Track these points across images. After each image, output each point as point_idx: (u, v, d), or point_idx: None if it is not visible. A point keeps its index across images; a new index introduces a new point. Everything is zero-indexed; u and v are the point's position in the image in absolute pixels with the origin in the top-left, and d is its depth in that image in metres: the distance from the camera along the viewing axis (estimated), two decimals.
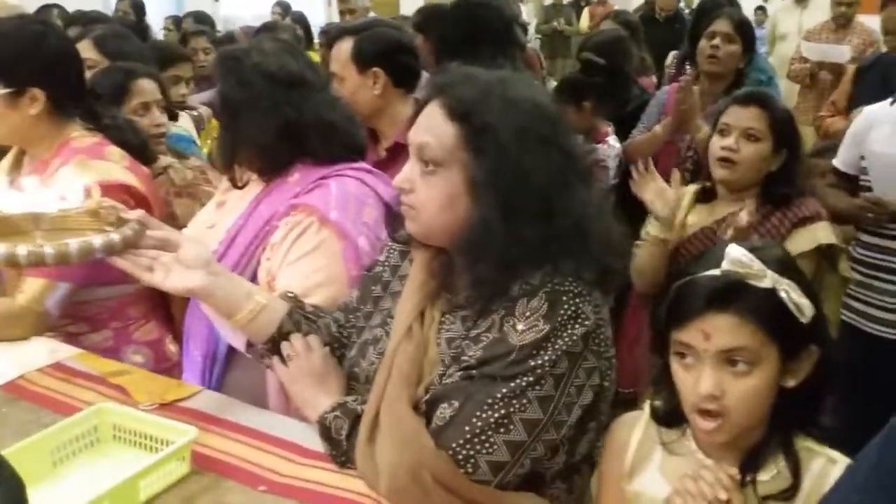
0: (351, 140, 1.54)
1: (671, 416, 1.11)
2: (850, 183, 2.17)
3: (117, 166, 1.65)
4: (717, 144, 1.87)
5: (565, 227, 1.05)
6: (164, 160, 2.13)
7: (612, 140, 2.73)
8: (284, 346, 1.26)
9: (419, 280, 1.18)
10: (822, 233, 1.83)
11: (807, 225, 1.83)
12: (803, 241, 1.80)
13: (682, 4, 5.82)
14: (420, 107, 1.13)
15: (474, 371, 1.05)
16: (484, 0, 2.41)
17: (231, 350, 1.45)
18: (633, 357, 2.25)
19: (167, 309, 1.79)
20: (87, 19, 3.63)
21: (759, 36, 3.16)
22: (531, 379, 1.02)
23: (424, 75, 2.05)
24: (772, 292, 0.98)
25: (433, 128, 1.09)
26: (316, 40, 5.16)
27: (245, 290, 1.26)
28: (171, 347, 1.76)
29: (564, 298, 1.04)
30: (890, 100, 2.09)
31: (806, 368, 1.02)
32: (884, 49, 3.22)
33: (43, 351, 1.51)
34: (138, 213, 1.20)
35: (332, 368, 1.26)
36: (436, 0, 3.35)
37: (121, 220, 1.19)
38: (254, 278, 1.45)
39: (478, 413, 1.02)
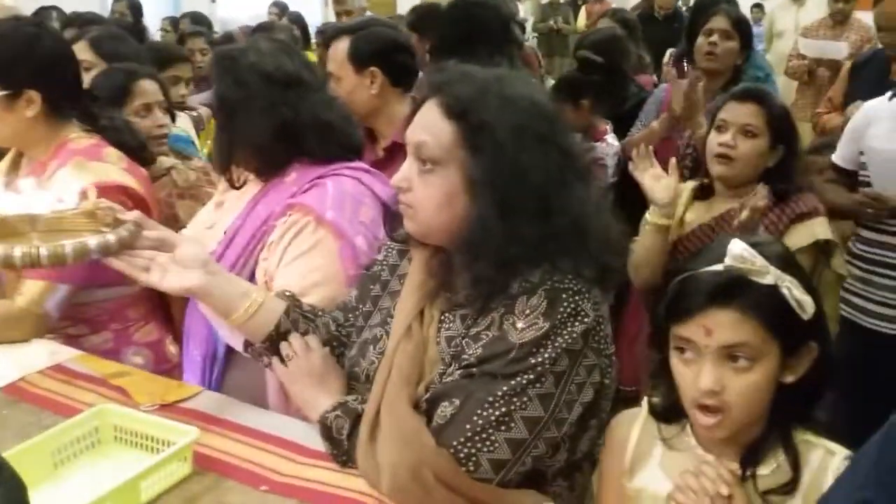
0: (348, 140, 1.54)
1: (670, 412, 1.11)
2: (849, 178, 2.17)
3: (115, 168, 1.65)
4: (715, 141, 1.87)
5: (563, 226, 1.05)
6: (168, 161, 2.13)
7: (611, 138, 2.73)
8: (283, 346, 1.26)
9: (418, 279, 1.18)
10: (819, 228, 1.83)
11: (804, 221, 1.83)
12: (801, 236, 1.81)
13: (679, 3, 5.82)
14: (417, 105, 1.13)
15: (475, 369, 1.05)
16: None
17: (230, 350, 1.45)
18: (634, 355, 2.25)
19: (167, 310, 1.79)
20: (82, 21, 3.62)
21: (756, 33, 3.16)
22: (531, 377, 1.02)
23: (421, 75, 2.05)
24: (774, 288, 0.99)
25: (430, 126, 1.09)
26: (313, 40, 5.16)
27: (242, 289, 1.26)
28: (171, 348, 1.76)
29: (564, 296, 1.04)
30: (888, 95, 2.09)
31: (805, 364, 1.02)
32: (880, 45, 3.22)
33: (43, 353, 1.51)
34: (134, 214, 1.20)
35: (332, 368, 1.26)
36: None
37: (117, 221, 1.19)
38: (252, 278, 1.45)
39: (478, 411, 1.02)
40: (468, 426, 1.02)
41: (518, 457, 1.03)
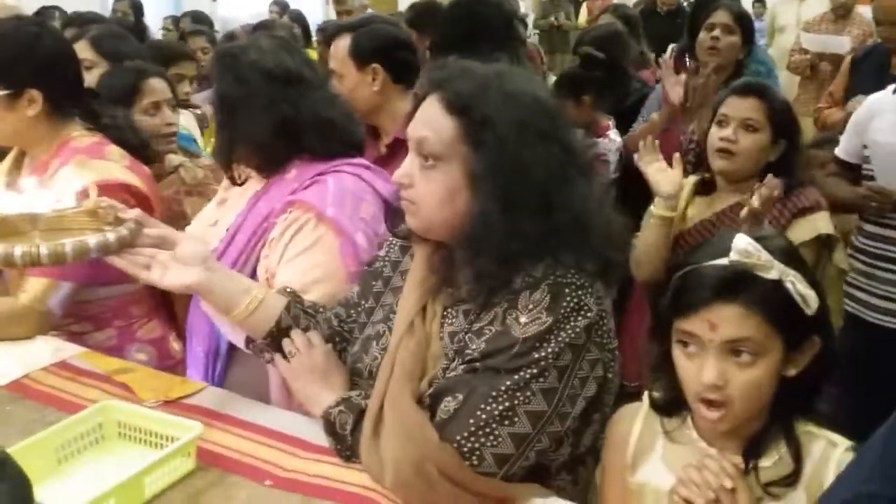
0: (349, 136, 1.54)
1: (671, 405, 1.11)
2: (852, 172, 2.17)
3: (117, 165, 1.65)
4: (716, 135, 1.87)
5: (565, 221, 1.05)
6: (176, 159, 2.13)
7: (613, 134, 2.72)
8: (286, 342, 1.26)
9: (420, 275, 1.18)
10: (821, 223, 1.83)
11: (806, 215, 1.82)
12: (803, 230, 1.80)
13: None
14: (418, 101, 1.13)
15: (478, 364, 1.05)
16: None
17: (233, 346, 1.45)
18: (637, 351, 2.24)
19: (170, 307, 1.79)
20: (83, 20, 3.62)
21: (757, 28, 3.15)
22: (535, 371, 1.02)
23: None
24: (778, 283, 0.99)
25: (432, 122, 1.09)
26: (314, 38, 5.16)
27: (243, 285, 1.26)
28: (175, 345, 1.76)
29: (567, 291, 1.04)
30: (892, 88, 2.08)
31: (807, 358, 1.03)
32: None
33: (47, 350, 1.51)
34: (135, 213, 1.20)
35: (335, 364, 1.26)
36: None
37: (118, 220, 1.19)
38: (254, 275, 1.46)
39: (482, 406, 1.02)
40: (472, 421, 1.02)
41: (522, 451, 1.03)
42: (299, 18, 5.66)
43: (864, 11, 4.12)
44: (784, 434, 1.03)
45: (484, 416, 1.02)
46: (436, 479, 1.02)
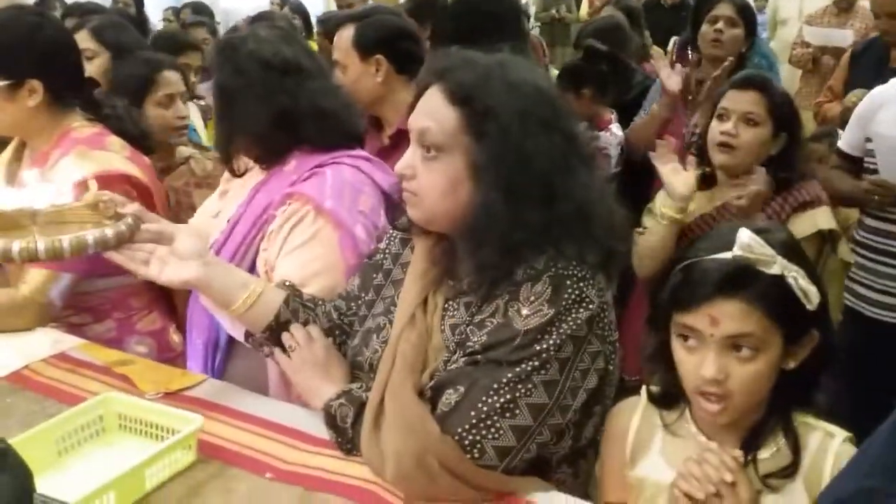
0: (348, 127, 1.53)
1: (668, 397, 1.11)
2: (855, 165, 2.16)
3: (118, 156, 1.64)
4: (717, 129, 1.86)
5: (568, 211, 1.05)
6: (186, 151, 2.13)
7: (615, 128, 2.71)
8: (285, 336, 1.26)
9: (421, 267, 1.18)
10: (821, 217, 1.82)
11: (807, 210, 1.82)
12: (803, 225, 1.80)
13: None
14: (420, 92, 1.12)
15: (479, 356, 1.05)
16: None
17: (232, 339, 1.45)
18: (638, 345, 2.24)
19: (170, 299, 1.79)
20: (84, 10, 3.61)
21: (759, 21, 3.14)
22: (536, 363, 1.02)
23: None
24: (780, 279, 0.98)
25: (434, 112, 1.08)
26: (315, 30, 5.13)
27: (241, 280, 1.26)
28: (175, 337, 1.76)
29: (568, 283, 1.04)
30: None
31: (806, 351, 1.03)
32: None
33: (46, 341, 1.51)
34: (134, 207, 1.20)
35: (335, 357, 1.26)
36: None
37: (118, 215, 1.19)
38: (253, 267, 1.45)
39: (483, 398, 1.02)
40: (473, 413, 1.02)
41: (523, 444, 1.03)
42: (300, 10, 5.63)
43: (867, 5, 4.10)
44: (782, 426, 1.04)
45: (485, 409, 1.02)
46: (437, 471, 1.02)
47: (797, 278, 0.99)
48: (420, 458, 1.03)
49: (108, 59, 2.29)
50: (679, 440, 1.10)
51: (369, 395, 1.13)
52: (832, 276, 2.19)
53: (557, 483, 1.12)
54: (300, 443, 1.19)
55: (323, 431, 1.18)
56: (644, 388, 1.15)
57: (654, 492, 1.09)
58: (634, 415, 1.14)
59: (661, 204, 1.87)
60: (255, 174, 1.55)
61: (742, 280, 0.98)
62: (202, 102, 2.82)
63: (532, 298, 1.04)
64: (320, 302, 1.32)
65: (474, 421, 1.02)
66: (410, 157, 1.11)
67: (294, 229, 1.41)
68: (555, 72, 3.23)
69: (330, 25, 3.65)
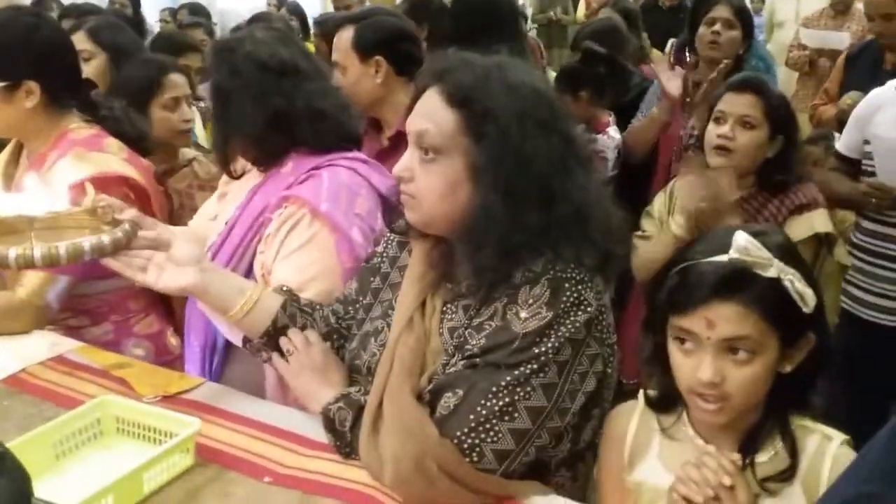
0: (344, 129, 1.52)
1: (665, 401, 1.11)
2: (852, 167, 2.16)
3: (115, 158, 1.64)
4: (713, 132, 1.86)
5: (566, 213, 1.05)
6: (189, 153, 2.13)
7: (613, 131, 2.71)
8: (283, 341, 1.26)
9: (419, 270, 1.18)
10: (818, 221, 1.82)
11: (803, 213, 1.82)
12: (800, 228, 1.79)
13: None
14: (417, 94, 1.12)
15: (478, 360, 1.05)
16: None
17: (230, 342, 1.45)
18: (636, 349, 2.24)
19: (168, 302, 1.79)
20: (80, 11, 3.60)
21: (756, 23, 3.15)
22: (535, 366, 1.02)
23: None
24: (776, 281, 0.98)
25: (432, 114, 1.08)
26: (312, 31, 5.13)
27: (238, 285, 1.26)
28: (173, 340, 1.76)
29: (567, 285, 1.04)
30: (894, 83, 2.07)
31: (803, 354, 1.03)
32: None
33: (44, 344, 1.50)
34: (132, 213, 1.19)
35: (333, 361, 1.26)
36: None
37: (116, 221, 1.19)
38: (250, 270, 1.45)
39: (482, 401, 1.02)
40: (472, 416, 1.02)
41: (522, 447, 1.03)
42: (297, 11, 5.63)
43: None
44: (780, 429, 1.04)
45: (484, 412, 1.02)
46: (435, 475, 1.02)
47: (793, 281, 0.99)
48: (419, 462, 1.02)
49: (106, 60, 2.29)
50: (677, 444, 1.10)
51: (367, 399, 1.13)
52: (829, 279, 2.19)
53: (556, 486, 1.12)
54: (298, 446, 1.19)
55: (321, 435, 1.18)
56: (641, 392, 1.15)
57: (652, 496, 1.09)
58: (632, 419, 1.14)
59: (673, 222, 1.84)
60: (253, 176, 1.55)
61: (738, 283, 0.98)
62: (202, 104, 2.81)
63: (530, 301, 1.04)
64: (318, 306, 1.32)
65: (473, 424, 1.02)
66: (408, 159, 1.11)
67: (290, 233, 1.40)
68: (552, 73, 3.23)
69: (327, 27, 3.64)
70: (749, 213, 1.85)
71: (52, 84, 1.60)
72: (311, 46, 3.94)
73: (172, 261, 1.18)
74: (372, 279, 1.28)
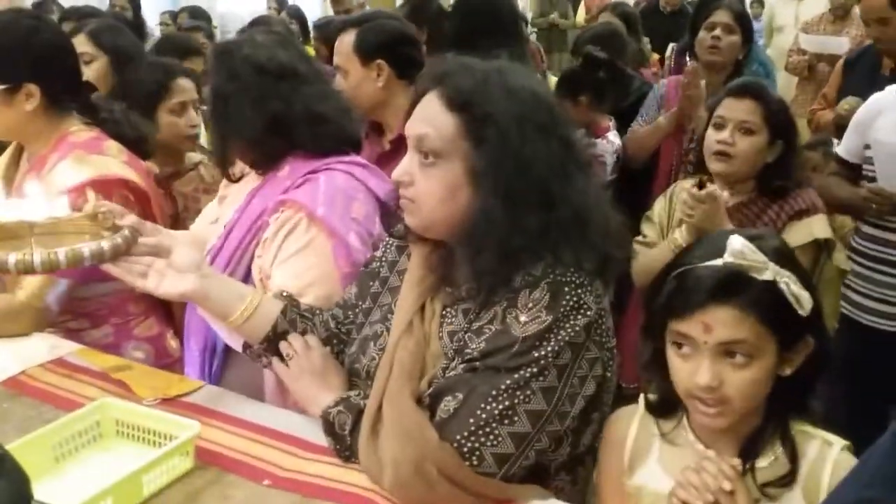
0: (342, 132, 1.52)
1: (665, 406, 1.11)
2: (853, 172, 2.16)
3: (115, 161, 1.64)
4: (713, 138, 1.86)
5: (565, 217, 1.05)
6: (195, 157, 2.13)
7: (612, 135, 2.71)
8: (283, 345, 1.26)
9: (418, 274, 1.18)
10: (817, 226, 1.82)
11: (803, 218, 1.82)
12: (799, 234, 1.79)
13: None
14: (417, 98, 1.12)
15: (478, 363, 1.05)
16: None
17: (229, 345, 1.45)
18: (636, 353, 2.23)
19: (168, 305, 1.78)
20: (80, 14, 3.60)
21: (756, 28, 3.16)
22: (535, 370, 1.02)
23: None
24: (772, 284, 0.98)
25: (432, 119, 1.08)
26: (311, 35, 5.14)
27: (238, 291, 1.26)
28: (172, 343, 1.76)
29: (566, 289, 1.04)
30: (895, 87, 2.07)
31: (801, 357, 1.03)
32: None
33: (43, 347, 1.50)
34: (132, 219, 1.20)
35: (333, 365, 1.26)
36: None
37: (116, 227, 1.19)
38: (248, 273, 1.45)
39: (482, 405, 1.02)
40: (472, 420, 1.02)
41: (521, 451, 1.03)
42: (297, 14, 5.64)
43: None
44: (780, 434, 1.04)
45: (484, 416, 1.02)
46: (435, 479, 1.02)
47: (789, 284, 0.99)
48: (418, 466, 1.02)
49: (106, 62, 2.29)
50: (677, 449, 1.10)
51: (367, 403, 1.13)
52: (828, 285, 2.19)
53: (556, 490, 1.12)
54: (298, 450, 1.19)
55: (321, 438, 1.18)
56: (641, 396, 1.15)
57: (652, 500, 1.09)
58: (632, 423, 1.14)
59: (679, 235, 1.80)
60: (252, 179, 1.55)
61: (734, 286, 0.98)
62: (204, 107, 2.82)
63: (530, 305, 1.04)
64: (318, 311, 1.32)
65: (473, 428, 1.02)
66: (408, 163, 1.11)
67: (288, 237, 1.40)
68: (553, 78, 3.24)
69: (328, 30, 3.65)
70: (748, 218, 1.85)
71: (53, 87, 1.61)
72: (310, 50, 3.95)
73: (173, 267, 1.18)
74: (371, 283, 1.28)
